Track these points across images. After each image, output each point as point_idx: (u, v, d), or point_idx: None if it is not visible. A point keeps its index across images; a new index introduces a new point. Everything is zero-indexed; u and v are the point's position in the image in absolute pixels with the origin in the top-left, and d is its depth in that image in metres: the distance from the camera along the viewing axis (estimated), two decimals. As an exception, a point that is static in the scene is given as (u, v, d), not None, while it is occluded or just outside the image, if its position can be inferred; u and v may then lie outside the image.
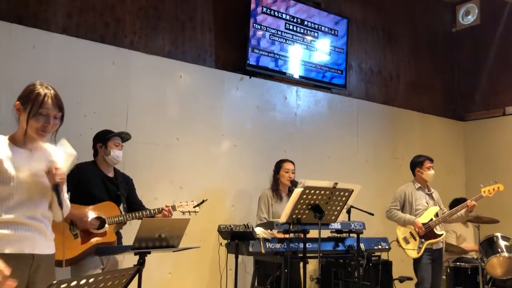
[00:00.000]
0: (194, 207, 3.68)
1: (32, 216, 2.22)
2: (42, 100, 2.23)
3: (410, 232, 4.63)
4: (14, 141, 2.27)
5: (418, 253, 4.56)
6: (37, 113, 2.22)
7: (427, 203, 4.75)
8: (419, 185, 4.82)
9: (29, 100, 2.24)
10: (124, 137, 3.65)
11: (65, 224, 3.20)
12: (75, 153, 2.36)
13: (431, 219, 4.60)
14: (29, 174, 2.23)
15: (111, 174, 3.58)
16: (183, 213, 3.64)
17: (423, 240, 4.57)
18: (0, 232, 2.12)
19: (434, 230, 4.59)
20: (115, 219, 3.33)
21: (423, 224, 4.57)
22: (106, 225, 3.30)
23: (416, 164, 4.87)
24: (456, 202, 5.09)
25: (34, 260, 2.20)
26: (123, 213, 3.45)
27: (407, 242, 4.63)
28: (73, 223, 3.23)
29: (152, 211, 3.47)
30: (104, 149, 3.53)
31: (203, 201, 3.76)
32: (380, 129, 6.32)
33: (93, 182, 3.40)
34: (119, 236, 3.51)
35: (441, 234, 4.61)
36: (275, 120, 5.43)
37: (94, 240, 3.23)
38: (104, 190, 3.46)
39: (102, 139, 3.55)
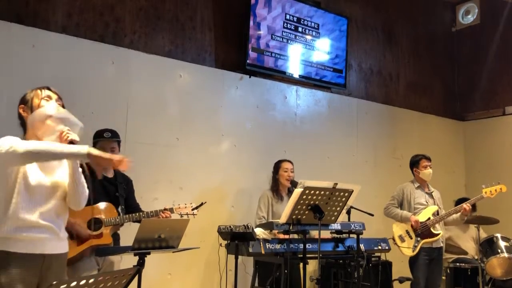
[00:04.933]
0: (192, 209, 3.67)
1: (46, 217, 2.28)
2: (40, 91, 2.39)
3: (406, 230, 4.63)
4: None
5: (413, 251, 4.56)
6: (41, 100, 2.36)
7: (427, 202, 4.75)
8: (418, 184, 4.82)
9: (29, 98, 2.37)
10: (114, 139, 3.54)
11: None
12: (81, 124, 2.38)
13: (429, 218, 4.60)
14: (44, 175, 2.31)
15: (110, 175, 3.56)
16: (181, 215, 3.62)
17: (419, 239, 4.57)
18: (13, 234, 2.20)
19: (431, 229, 4.58)
20: (112, 221, 3.31)
21: (421, 222, 4.57)
22: (103, 227, 3.29)
23: (413, 164, 4.87)
24: (460, 202, 5.07)
25: (45, 259, 2.27)
26: (120, 214, 3.43)
27: (402, 240, 4.63)
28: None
29: (149, 213, 3.46)
30: None
31: (201, 204, 3.74)
32: (380, 129, 6.31)
33: (91, 183, 3.36)
34: (116, 237, 3.50)
35: (438, 234, 4.60)
36: (275, 120, 5.42)
37: (90, 241, 3.22)
38: (103, 191, 3.44)
39: (93, 142, 3.53)
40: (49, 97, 2.39)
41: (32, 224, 2.23)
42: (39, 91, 2.39)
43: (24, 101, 2.38)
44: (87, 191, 2.39)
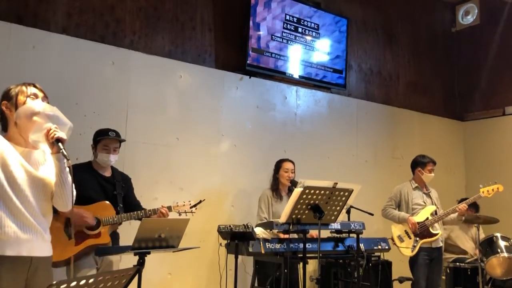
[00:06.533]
0: (191, 207, 3.67)
1: (32, 216, 2.20)
2: (26, 87, 2.28)
3: (405, 231, 4.64)
4: (10, 140, 2.24)
5: (412, 251, 4.57)
6: (26, 98, 2.24)
7: (424, 202, 4.76)
8: (416, 184, 4.82)
9: (14, 94, 2.26)
10: (118, 139, 3.57)
11: (59, 225, 3.18)
12: (70, 123, 2.26)
13: (427, 218, 4.60)
14: (29, 172, 2.22)
15: (107, 174, 3.56)
16: (180, 213, 3.63)
17: (417, 239, 4.58)
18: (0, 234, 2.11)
19: (430, 229, 4.59)
20: (110, 220, 3.32)
21: (419, 223, 4.58)
22: (101, 226, 3.29)
23: (419, 164, 4.86)
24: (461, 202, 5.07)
25: (32, 262, 2.19)
26: (119, 213, 3.43)
27: (401, 240, 4.64)
28: (67, 225, 3.21)
29: (147, 211, 3.46)
30: (95, 151, 3.53)
31: (200, 201, 3.75)
32: (380, 129, 6.32)
33: (89, 183, 3.38)
34: (116, 236, 3.50)
35: (437, 234, 4.61)
36: (275, 120, 5.43)
37: (88, 241, 3.23)
38: (101, 190, 3.45)
39: (94, 140, 3.54)
40: (35, 95, 2.27)
41: (20, 222, 2.15)
42: (24, 87, 2.28)
43: (7, 97, 2.25)
44: (75, 191, 2.27)
